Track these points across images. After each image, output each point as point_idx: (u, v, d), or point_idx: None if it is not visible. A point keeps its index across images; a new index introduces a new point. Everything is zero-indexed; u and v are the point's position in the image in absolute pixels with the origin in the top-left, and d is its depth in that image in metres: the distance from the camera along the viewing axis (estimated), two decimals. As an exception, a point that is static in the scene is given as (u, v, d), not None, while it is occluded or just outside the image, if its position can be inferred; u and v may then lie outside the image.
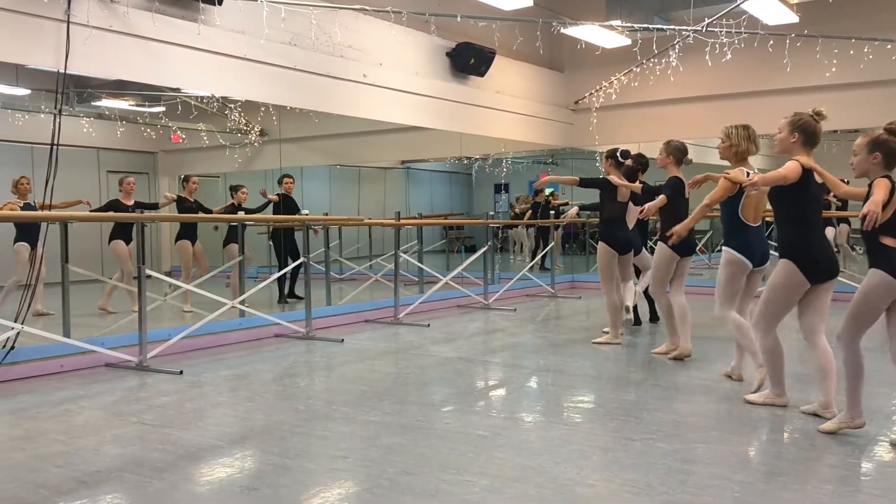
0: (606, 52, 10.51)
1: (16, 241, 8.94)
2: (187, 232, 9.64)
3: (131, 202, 9.43)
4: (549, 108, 12.44)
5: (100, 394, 5.42)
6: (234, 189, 10.25)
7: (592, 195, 7.35)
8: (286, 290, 10.37)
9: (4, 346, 5.73)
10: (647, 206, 6.24)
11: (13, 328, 5.62)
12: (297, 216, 9.44)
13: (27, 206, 8.87)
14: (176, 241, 9.71)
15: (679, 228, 5.48)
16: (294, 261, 10.01)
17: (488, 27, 9.65)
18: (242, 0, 7.46)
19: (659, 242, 6.27)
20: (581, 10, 10.71)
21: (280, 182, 10.44)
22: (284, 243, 10.23)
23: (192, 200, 9.63)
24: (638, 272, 7.98)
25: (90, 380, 5.85)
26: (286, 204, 10.26)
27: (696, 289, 9.49)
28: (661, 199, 6.14)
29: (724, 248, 5.15)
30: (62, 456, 3.94)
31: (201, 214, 9.77)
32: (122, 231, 9.31)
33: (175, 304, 9.10)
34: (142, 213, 7.48)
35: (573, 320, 8.95)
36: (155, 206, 10.27)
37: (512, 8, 8.96)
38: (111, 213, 9.15)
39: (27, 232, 8.89)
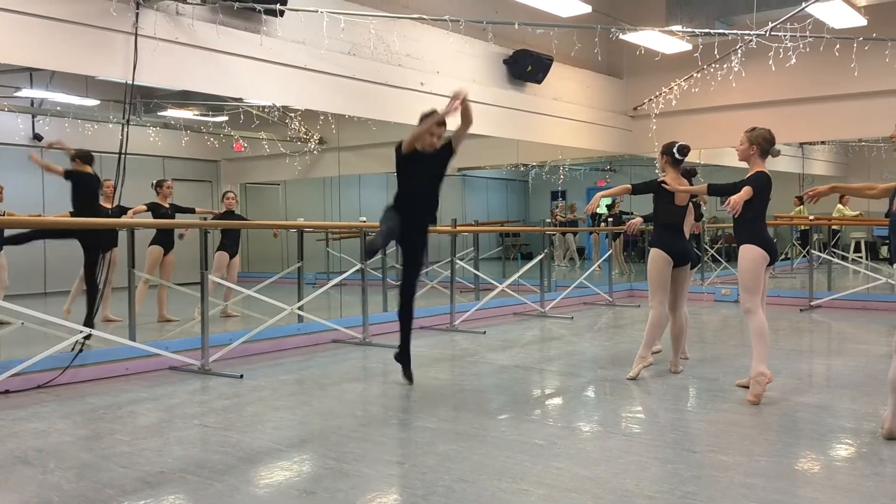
0: (666, 57, 10.38)
1: None
2: (161, 238, 9.14)
3: (111, 205, 8.53)
4: (607, 114, 12.33)
5: (163, 396, 5.55)
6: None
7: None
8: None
9: (73, 350, 5.92)
10: (731, 198, 5.12)
11: (81, 332, 5.80)
12: (352, 223, 9.41)
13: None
14: (150, 245, 9.14)
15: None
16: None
17: (546, 34, 9.64)
18: (303, 11, 7.59)
19: (742, 246, 5.29)
20: (640, 16, 10.63)
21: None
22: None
23: (168, 205, 9.15)
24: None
25: (154, 382, 6.00)
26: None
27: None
28: (746, 190, 5.14)
29: None
30: (127, 456, 4.04)
31: (243, 221, 9.37)
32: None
33: (235, 308, 9.23)
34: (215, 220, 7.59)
35: (632, 329, 8.82)
36: (191, 210, 9.65)
37: (570, 15, 8.91)
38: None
39: None
